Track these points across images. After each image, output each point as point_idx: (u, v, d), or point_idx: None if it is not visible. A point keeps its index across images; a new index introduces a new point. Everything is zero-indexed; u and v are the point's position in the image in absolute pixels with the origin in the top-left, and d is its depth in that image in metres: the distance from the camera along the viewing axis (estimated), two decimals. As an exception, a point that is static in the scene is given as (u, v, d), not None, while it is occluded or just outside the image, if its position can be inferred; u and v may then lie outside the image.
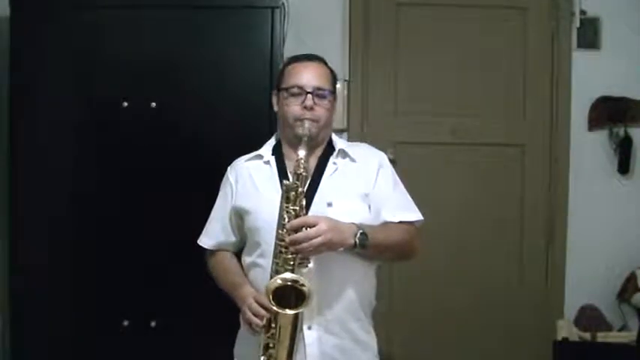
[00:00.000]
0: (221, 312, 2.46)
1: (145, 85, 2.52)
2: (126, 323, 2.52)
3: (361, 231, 1.70)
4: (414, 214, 1.88)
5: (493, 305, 3.02)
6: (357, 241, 1.69)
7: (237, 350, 1.91)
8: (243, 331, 1.83)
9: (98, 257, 2.53)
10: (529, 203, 3.04)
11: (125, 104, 2.50)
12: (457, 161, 3.02)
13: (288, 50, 2.77)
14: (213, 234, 1.97)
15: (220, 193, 1.98)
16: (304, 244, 1.63)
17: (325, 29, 2.93)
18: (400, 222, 1.83)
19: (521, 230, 3.05)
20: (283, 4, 2.69)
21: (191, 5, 2.55)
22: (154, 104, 2.50)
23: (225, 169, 1.99)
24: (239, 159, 1.98)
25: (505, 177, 3.04)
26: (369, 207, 1.83)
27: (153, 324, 2.52)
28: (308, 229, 1.64)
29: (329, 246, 1.65)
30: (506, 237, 3.04)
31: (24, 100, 2.52)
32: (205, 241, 1.98)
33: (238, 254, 1.95)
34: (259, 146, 1.98)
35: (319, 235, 1.63)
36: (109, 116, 2.52)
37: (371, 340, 1.87)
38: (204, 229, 1.99)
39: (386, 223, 1.82)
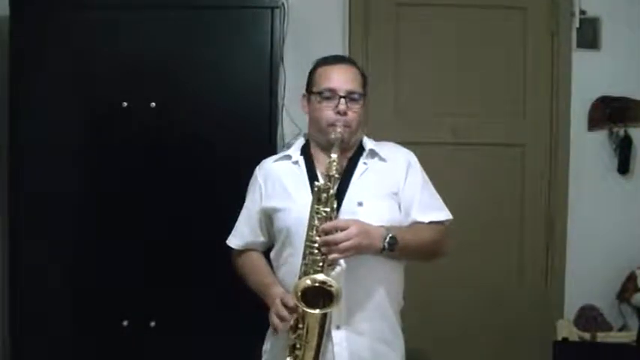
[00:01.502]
0: (221, 312, 2.47)
1: (145, 85, 2.52)
2: (126, 323, 2.52)
3: (390, 235, 1.70)
4: (444, 214, 1.89)
5: (493, 305, 3.01)
6: (386, 245, 1.70)
7: (267, 348, 1.91)
8: (271, 330, 1.83)
9: (98, 257, 2.53)
10: (529, 203, 3.04)
11: (125, 104, 2.50)
12: (457, 161, 3.01)
13: (288, 50, 2.77)
14: (241, 234, 1.97)
15: (249, 194, 1.97)
16: (333, 247, 1.63)
17: (325, 29, 2.93)
18: (430, 222, 1.84)
19: (521, 230, 3.05)
20: (283, 4, 2.69)
21: (191, 5, 2.55)
22: (153, 104, 2.50)
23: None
24: (267, 159, 1.98)
25: (505, 177, 3.04)
26: (399, 206, 1.83)
27: (153, 324, 2.52)
28: (339, 231, 1.64)
29: (358, 250, 1.66)
30: (506, 237, 3.04)
31: (24, 100, 2.52)
32: (234, 241, 1.98)
33: (267, 253, 1.95)
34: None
35: (349, 239, 1.63)
36: (109, 116, 2.52)
37: (399, 340, 1.88)
38: (233, 230, 1.99)
39: (415, 223, 1.83)
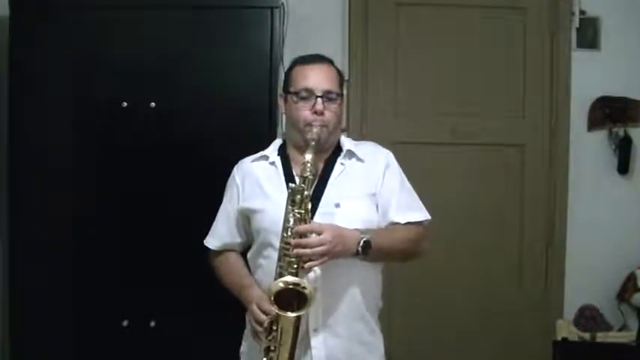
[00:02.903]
0: (221, 312, 2.47)
1: (145, 85, 2.52)
2: (126, 323, 2.52)
3: (365, 239, 1.70)
4: (421, 214, 1.88)
5: (493, 305, 3.02)
6: (360, 249, 1.69)
7: (244, 349, 1.91)
8: (248, 331, 1.84)
9: (98, 257, 2.53)
10: (529, 203, 3.04)
11: (125, 104, 2.50)
12: (457, 161, 3.02)
13: (288, 50, 2.77)
14: (219, 235, 1.96)
15: (226, 194, 1.97)
16: (307, 250, 1.63)
17: (325, 29, 2.93)
18: (407, 223, 1.83)
19: (521, 230, 3.05)
20: (283, 4, 2.69)
21: (191, 5, 2.55)
22: (153, 104, 2.50)
23: (225, 169, 1.99)
24: (245, 159, 1.97)
25: (505, 177, 3.04)
26: (377, 207, 1.83)
27: (153, 324, 2.52)
28: (313, 235, 1.64)
29: (331, 255, 1.66)
30: (505, 237, 3.04)
31: (24, 100, 2.52)
32: (211, 241, 1.98)
33: (244, 253, 1.95)
34: (259, 146, 1.98)
35: (322, 245, 1.63)
36: (109, 116, 2.52)
37: (377, 341, 1.88)
38: (211, 230, 1.99)
39: (393, 225, 1.82)
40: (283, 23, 2.73)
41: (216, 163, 2.48)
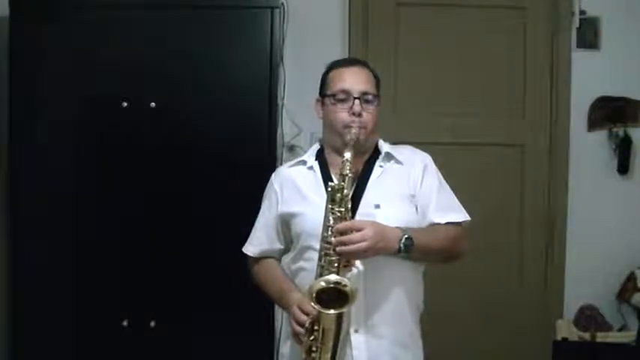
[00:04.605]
0: (220, 312, 2.48)
1: (145, 85, 2.52)
2: (126, 323, 2.52)
3: (406, 236, 1.69)
4: (461, 215, 1.88)
5: (493, 305, 3.01)
6: (402, 246, 1.68)
7: (284, 351, 1.89)
8: (288, 333, 1.82)
9: (98, 257, 2.54)
10: (529, 203, 3.04)
11: (125, 104, 2.51)
12: (457, 161, 3.01)
13: (288, 50, 2.77)
14: (258, 242, 1.95)
15: (264, 201, 1.95)
16: (350, 247, 1.62)
17: (325, 29, 2.93)
18: (447, 223, 1.83)
19: (521, 230, 3.05)
20: (283, 4, 2.69)
21: (191, 5, 2.55)
22: (153, 104, 2.51)
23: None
24: (282, 167, 1.98)
25: (505, 177, 3.04)
26: (416, 208, 1.83)
27: (153, 324, 2.52)
28: (354, 232, 1.63)
29: (373, 251, 1.65)
30: (506, 237, 3.04)
31: (24, 100, 2.52)
32: (250, 248, 1.96)
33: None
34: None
35: (364, 240, 1.62)
36: (109, 116, 2.53)
37: (417, 344, 1.88)
38: (249, 237, 1.97)
39: (432, 225, 1.82)
40: (283, 23, 2.73)
41: (216, 163, 2.50)
